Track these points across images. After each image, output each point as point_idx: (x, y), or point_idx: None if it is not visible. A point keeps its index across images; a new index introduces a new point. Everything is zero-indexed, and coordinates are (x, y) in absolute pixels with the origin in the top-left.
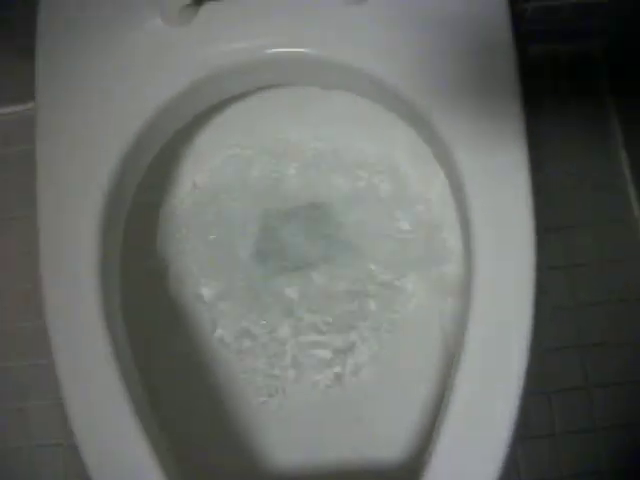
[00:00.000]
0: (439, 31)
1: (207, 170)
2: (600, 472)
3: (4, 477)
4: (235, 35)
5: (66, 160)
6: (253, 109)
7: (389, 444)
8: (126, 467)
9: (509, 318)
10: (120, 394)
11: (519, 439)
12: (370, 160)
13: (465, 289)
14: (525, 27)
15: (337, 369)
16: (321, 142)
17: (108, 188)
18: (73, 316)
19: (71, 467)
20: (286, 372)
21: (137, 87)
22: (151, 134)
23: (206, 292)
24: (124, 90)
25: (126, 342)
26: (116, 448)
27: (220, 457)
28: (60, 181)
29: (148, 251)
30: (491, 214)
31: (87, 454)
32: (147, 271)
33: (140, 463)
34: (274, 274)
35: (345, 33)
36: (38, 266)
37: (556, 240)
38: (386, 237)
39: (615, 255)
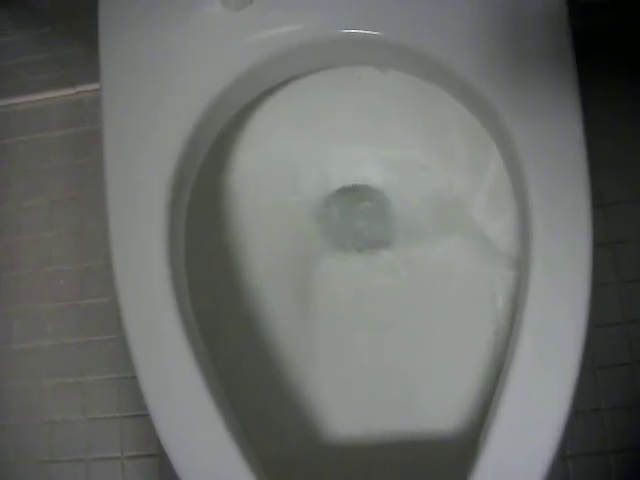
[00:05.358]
0: (498, 8)
1: (264, 152)
2: None
3: (61, 449)
4: (293, 18)
5: (133, 140)
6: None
7: (442, 414)
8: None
9: (566, 296)
10: (192, 369)
11: None
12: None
13: (521, 263)
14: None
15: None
16: (373, 122)
17: (174, 168)
18: (144, 294)
19: (126, 439)
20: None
21: (197, 70)
22: (209, 118)
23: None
24: (185, 73)
25: (192, 318)
26: (187, 414)
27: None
28: (128, 160)
29: (208, 232)
30: (548, 191)
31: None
32: (208, 252)
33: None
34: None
35: (407, 14)
36: (109, 246)
37: (600, 217)
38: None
39: None
